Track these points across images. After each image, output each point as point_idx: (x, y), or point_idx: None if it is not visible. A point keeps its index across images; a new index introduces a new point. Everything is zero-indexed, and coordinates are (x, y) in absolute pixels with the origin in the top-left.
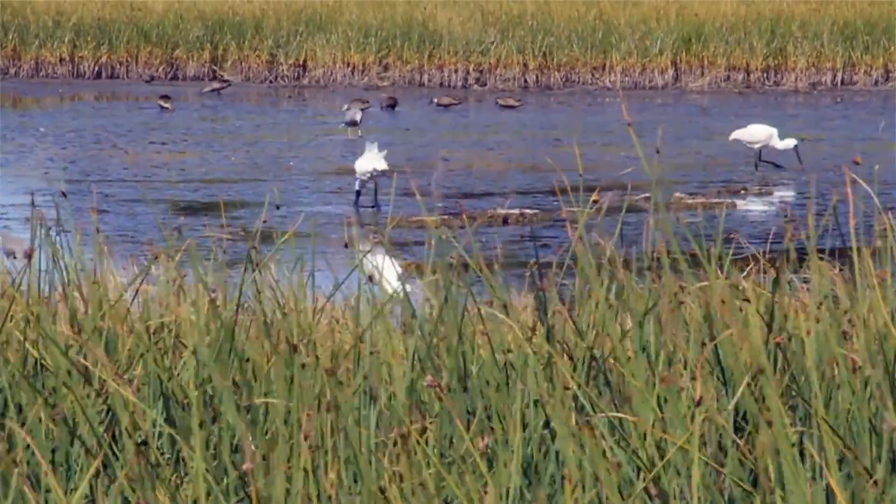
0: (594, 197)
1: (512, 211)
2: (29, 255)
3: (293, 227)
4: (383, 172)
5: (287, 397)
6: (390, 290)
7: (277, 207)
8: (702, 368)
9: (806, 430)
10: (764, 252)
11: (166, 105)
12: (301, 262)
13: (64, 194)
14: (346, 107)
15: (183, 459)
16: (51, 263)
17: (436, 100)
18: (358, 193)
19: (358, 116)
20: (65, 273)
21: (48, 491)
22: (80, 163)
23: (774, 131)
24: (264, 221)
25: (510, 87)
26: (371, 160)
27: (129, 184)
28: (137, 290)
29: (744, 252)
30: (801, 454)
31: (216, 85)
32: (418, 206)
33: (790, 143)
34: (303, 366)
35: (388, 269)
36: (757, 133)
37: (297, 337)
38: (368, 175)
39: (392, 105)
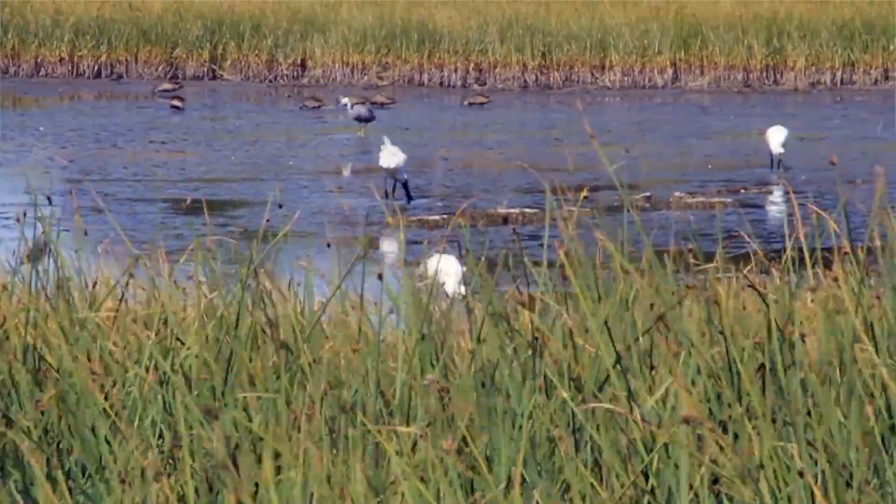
0: (584, 193)
1: (512, 210)
2: (28, 257)
3: (287, 226)
4: (396, 168)
5: (284, 395)
6: (450, 291)
7: (280, 206)
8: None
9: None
10: (771, 251)
11: (179, 105)
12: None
13: (49, 199)
14: (301, 105)
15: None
16: (50, 263)
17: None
18: (398, 188)
19: (367, 112)
20: (63, 272)
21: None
22: (80, 162)
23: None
24: (267, 220)
25: (510, 87)
26: (393, 155)
27: (128, 183)
28: (124, 290)
29: (744, 250)
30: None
31: (168, 86)
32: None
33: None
34: (306, 363)
35: (449, 269)
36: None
37: (297, 336)
38: (395, 170)
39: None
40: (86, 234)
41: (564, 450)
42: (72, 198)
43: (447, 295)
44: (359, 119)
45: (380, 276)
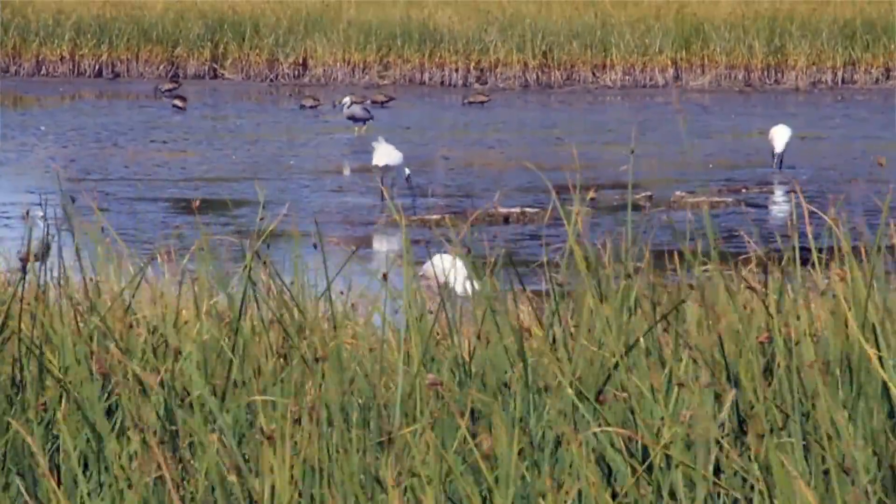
0: (591, 194)
1: (513, 209)
2: (26, 259)
3: (272, 224)
4: (388, 166)
5: (284, 395)
6: (460, 291)
7: (263, 206)
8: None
9: (783, 440)
10: (768, 252)
11: (181, 105)
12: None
13: (73, 199)
14: (300, 104)
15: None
16: (54, 262)
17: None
18: (401, 185)
19: (361, 111)
20: (66, 272)
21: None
22: (81, 161)
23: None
24: (261, 219)
25: (511, 86)
26: (386, 154)
27: (129, 182)
28: (135, 290)
29: (745, 251)
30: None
31: (169, 85)
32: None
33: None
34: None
35: (453, 269)
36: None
37: (298, 335)
38: (387, 168)
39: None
40: (102, 230)
41: (569, 448)
42: (92, 195)
43: (451, 294)
44: (353, 119)
45: (384, 276)
